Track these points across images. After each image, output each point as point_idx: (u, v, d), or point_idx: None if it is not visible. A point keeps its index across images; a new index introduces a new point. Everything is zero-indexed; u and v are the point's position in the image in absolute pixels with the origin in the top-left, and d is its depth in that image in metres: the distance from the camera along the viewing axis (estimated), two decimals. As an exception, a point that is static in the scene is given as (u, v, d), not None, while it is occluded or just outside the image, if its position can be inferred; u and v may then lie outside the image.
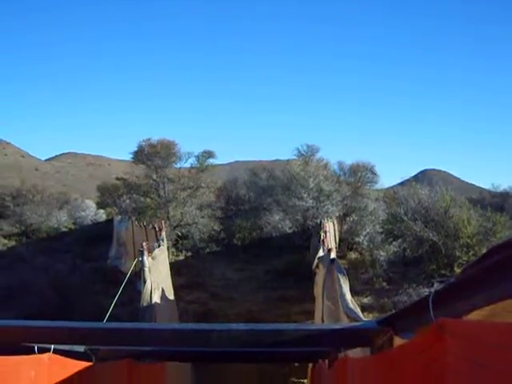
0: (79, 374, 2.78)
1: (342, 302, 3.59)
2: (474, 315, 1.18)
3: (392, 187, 32.45)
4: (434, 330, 1.18)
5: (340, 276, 4.17)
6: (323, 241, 8.18)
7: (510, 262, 0.99)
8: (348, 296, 3.65)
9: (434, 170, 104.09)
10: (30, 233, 26.16)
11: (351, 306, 3.40)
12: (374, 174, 25.75)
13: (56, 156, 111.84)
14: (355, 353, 2.42)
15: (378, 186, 26.89)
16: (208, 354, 3.71)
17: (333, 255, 5.20)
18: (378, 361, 1.80)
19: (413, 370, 1.35)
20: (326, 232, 10.88)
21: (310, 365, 4.61)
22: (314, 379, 4.08)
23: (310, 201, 22.28)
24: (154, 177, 22.57)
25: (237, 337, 2.06)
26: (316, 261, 7.05)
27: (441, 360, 1.13)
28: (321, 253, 7.19)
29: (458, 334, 1.07)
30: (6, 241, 23.77)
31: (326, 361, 3.27)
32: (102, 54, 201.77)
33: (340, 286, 3.94)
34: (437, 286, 11.45)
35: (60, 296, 12.60)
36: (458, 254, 14.99)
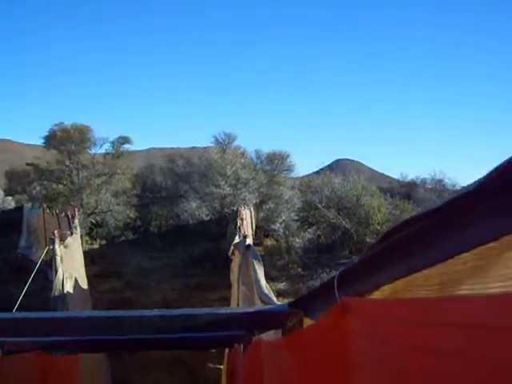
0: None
1: (257, 288, 3.66)
2: (377, 295, 1.24)
3: (307, 176, 33.22)
4: (338, 309, 1.23)
5: (255, 262, 4.24)
6: (239, 228, 8.27)
7: (409, 240, 1.05)
8: (263, 281, 3.72)
9: (347, 159, 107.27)
10: None
11: (265, 291, 3.47)
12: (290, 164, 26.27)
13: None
14: (269, 336, 2.47)
15: (293, 175, 27.42)
16: (121, 343, 3.66)
17: (248, 241, 5.28)
18: (287, 342, 1.86)
19: (319, 349, 1.41)
20: (242, 219, 10.98)
21: (226, 350, 4.67)
22: (229, 364, 4.13)
23: (228, 188, 22.36)
24: (67, 163, 21.74)
25: (150, 323, 2.06)
26: (232, 247, 7.12)
27: (344, 339, 1.18)
28: (237, 239, 7.27)
29: (359, 312, 1.13)
30: None
31: (242, 345, 3.32)
32: (7, 33, 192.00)
33: (255, 271, 4.01)
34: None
35: (-35, 288, 11.94)
36: (368, 240, 15.67)
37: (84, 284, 7.38)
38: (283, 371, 1.85)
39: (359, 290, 1.32)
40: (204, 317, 2.06)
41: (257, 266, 4.12)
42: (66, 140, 21.17)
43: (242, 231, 8.21)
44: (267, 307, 2.24)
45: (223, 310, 2.05)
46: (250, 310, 2.07)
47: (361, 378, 1.11)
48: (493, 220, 0.82)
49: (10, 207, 27.65)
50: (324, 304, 1.42)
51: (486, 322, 0.68)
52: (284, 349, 1.82)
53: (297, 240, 18.69)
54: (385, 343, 1.02)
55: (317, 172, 33.38)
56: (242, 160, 24.26)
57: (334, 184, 20.72)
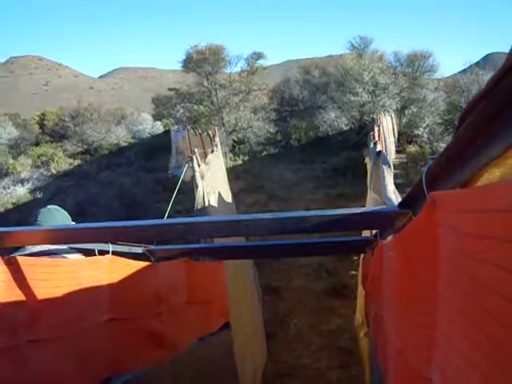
0: (138, 272, 2.95)
1: (383, 192, 3.63)
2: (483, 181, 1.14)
3: (453, 75, 30.98)
4: (428, 205, 1.20)
5: (385, 168, 4.16)
6: (373, 135, 8.06)
7: (480, 123, 0.93)
8: (390, 187, 3.66)
9: (499, 53, 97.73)
10: (93, 150, 26.94)
11: (390, 195, 3.43)
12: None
13: (108, 73, 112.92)
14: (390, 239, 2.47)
15: (437, 76, 25.63)
16: (262, 249, 3.83)
17: (379, 148, 5.16)
18: (394, 242, 1.86)
19: (416, 247, 1.39)
20: (378, 126, 10.65)
21: (362, 256, 4.76)
22: (363, 269, 4.23)
23: (366, 95, 21.66)
24: (205, 84, 22.48)
25: (265, 225, 2.14)
26: (366, 155, 7.02)
27: (435, 234, 1.16)
28: (371, 147, 7.14)
29: (447, 205, 1.09)
30: (71, 160, 24.49)
31: (371, 250, 3.36)
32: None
33: (384, 177, 3.95)
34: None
35: (126, 207, 13.21)
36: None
37: (228, 198, 7.72)
38: (392, 270, 1.87)
39: (447, 185, 1.26)
40: (313, 218, 2.09)
41: (386, 172, 4.04)
42: (202, 62, 21.71)
43: (377, 138, 8.01)
44: (376, 208, 2.21)
45: (333, 212, 2.06)
46: (357, 211, 2.06)
47: (446, 270, 1.10)
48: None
49: (159, 131, 29.60)
50: (424, 202, 1.38)
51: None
52: (392, 249, 1.82)
53: (442, 145, 17.82)
54: (463, 233, 0.99)
55: (463, 71, 30.96)
56: (380, 64, 23.13)
57: (483, 81, 19.15)
